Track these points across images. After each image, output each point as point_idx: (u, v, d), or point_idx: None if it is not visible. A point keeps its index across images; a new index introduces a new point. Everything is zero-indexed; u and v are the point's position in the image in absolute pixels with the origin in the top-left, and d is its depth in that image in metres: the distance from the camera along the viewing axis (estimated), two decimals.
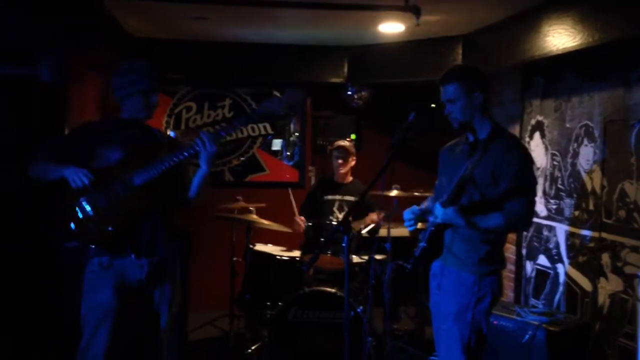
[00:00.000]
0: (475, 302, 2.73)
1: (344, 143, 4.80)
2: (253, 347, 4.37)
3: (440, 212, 2.71)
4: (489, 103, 2.85)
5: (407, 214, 2.95)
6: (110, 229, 2.80)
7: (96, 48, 4.39)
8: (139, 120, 2.99)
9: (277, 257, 4.45)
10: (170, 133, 5.40)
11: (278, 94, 3.07)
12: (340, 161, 4.72)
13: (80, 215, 2.81)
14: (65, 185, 2.78)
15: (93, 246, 2.86)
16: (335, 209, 4.71)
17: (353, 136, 5.96)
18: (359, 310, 3.94)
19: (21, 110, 3.76)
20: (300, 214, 4.73)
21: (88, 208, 2.81)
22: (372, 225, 4.42)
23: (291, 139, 5.95)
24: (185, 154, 2.84)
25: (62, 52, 4.04)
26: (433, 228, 2.79)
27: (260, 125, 5.87)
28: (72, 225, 2.81)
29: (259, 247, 4.62)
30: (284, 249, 4.66)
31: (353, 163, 4.78)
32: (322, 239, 4.17)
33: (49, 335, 3.69)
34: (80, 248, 2.89)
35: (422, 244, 2.80)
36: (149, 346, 2.98)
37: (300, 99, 3.02)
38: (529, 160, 2.80)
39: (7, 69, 3.94)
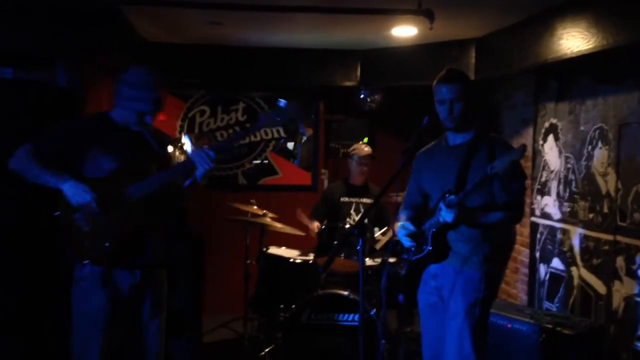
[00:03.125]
0: (483, 299, 2.82)
1: (367, 150, 4.75)
2: (267, 350, 4.39)
3: (448, 214, 2.71)
4: (476, 109, 2.93)
5: (404, 234, 2.96)
6: (106, 244, 2.71)
7: (112, 53, 4.44)
8: (140, 132, 2.88)
9: (291, 260, 4.48)
10: (185, 137, 5.43)
11: (269, 109, 2.98)
12: (365, 169, 4.73)
13: (78, 229, 2.71)
14: (60, 196, 2.69)
15: (87, 261, 2.75)
16: (352, 211, 4.72)
17: (365, 139, 5.97)
18: (372, 312, 3.95)
19: (37, 115, 3.81)
20: (312, 216, 4.75)
21: (83, 224, 2.71)
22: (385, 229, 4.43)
23: (303, 142, 5.97)
24: (180, 170, 2.82)
25: (78, 57, 4.10)
26: (435, 229, 2.82)
27: (274, 129, 5.90)
28: (68, 241, 2.73)
29: (273, 250, 4.64)
30: (297, 252, 4.68)
31: (370, 166, 4.80)
32: (336, 242, 4.19)
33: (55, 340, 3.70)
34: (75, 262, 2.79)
35: (428, 247, 2.84)
36: (139, 353, 2.92)
37: (297, 112, 2.95)
38: (521, 150, 2.88)
39: (24, 74, 4.00)
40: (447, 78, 2.85)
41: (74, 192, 2.66)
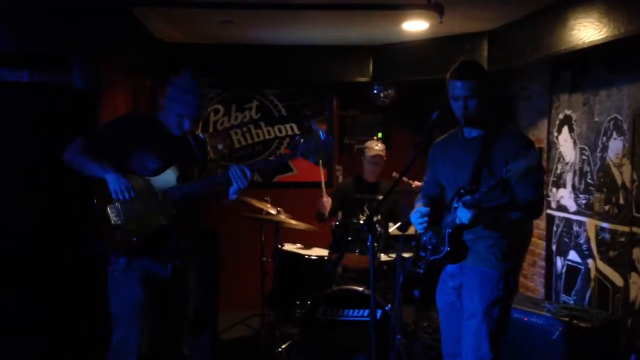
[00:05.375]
0: (502, 298, 2.76)
1: (378, 149, 4.71)
2: (283, 346, 4.42)
3: (465, 214, 2.64)
4: (493, 102, 2.85)
5: (417, 217, 2.91)
6: (135, 239, 2.86)
7: (126, 54, 4.49)
8: (182, 136, 3.03)
9: (306, 256, 4.50)
10: (199, 135, 5.47)
11: (311, 135, 3.09)
12: (376, 167, 4.72)
13: (111, 222, 2.87)
14: (102, 185, 2.85)
15: (115, 252, 2.91)
16: (365, 208, 4.72)
17: (380, 134, 5.96)
18: (387, 308, 3.95)
19: (55, 117, 3.87)
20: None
21: (119, 215, 2.86)
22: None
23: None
24: (218, 182, 2.93)
25: (94, 58, 4.14)
26: (451, 230, 2.76)
27: (287, 126, 5.92)
28: (100, 232, 2.89)
29: (288, 247, 4.66)
30: (312, 248, 4.70)
31: (383, 165, 4.78)
32: (350, 238, 4.19)
33: (81, 334, 3.79)
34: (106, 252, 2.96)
35: (446, 248, 2.79)
36: (175, 341, 3.09)
37: (330, 145, 3.05)
38: (537, 152, 2.79)
39: (41, 75, 4.07)
40: (460, 74, 2.73)
41: (115, 185, 2.81)
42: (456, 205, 2.68)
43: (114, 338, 2.93)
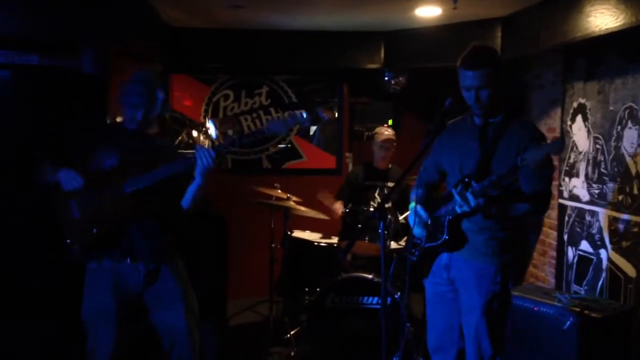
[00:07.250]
0: (500, 292, 2.71)
1: (388, 134, 4.70)
2: (292, 332, 4.42)
3: (469, 202, 2.54)
4: (506, 91, 2.75)
5: (418, 220, 2.86)
6: (94, 231, 2.79)
7: (135, 38, 4.46)
8: (139, 130, 2.92)
9: (315, 243, 4.49)
10: (209, 122, 5.45)
11: (285, 115, 2.97)
12: (386, 153, 4.70)
13: (72, 216, 2.81)
14: (59, 187, 2.80)
15: (76, 247, 2.83)
16: (376, 194, 4.70)
17: (390, 122, 5.92)
18: (396, 296, 3.94)
19: (63, 101, 3.85)
20: (337, 197, 4.74)
21: (78, 209, 2.80)
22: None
23: (322, 125, 5.93)
24: (179, 166, 2.79)
25: (103, 43, 4.12)
26: (451, 217, 2.69)
27: (297, 112, 5.87)
28: (64, 225, 2.83)
29: (297, 233, 4.66)
30: (321, 235, 4.69)
31: (393, 150, 4.76)
32: (360, 225, 4.17)
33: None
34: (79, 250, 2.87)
35: (444, 237, 2.73)
36: (152, 348, 2.98)
37: (308, 121, 2.94)
38: (559, 143, 2.75)
39: (50, 59, 4.05)
40: (471, 62, 2.59)
41: (65, 178, 2.77)
42: (460, 192, 2.58)
43: (87, 342, 2.86)
